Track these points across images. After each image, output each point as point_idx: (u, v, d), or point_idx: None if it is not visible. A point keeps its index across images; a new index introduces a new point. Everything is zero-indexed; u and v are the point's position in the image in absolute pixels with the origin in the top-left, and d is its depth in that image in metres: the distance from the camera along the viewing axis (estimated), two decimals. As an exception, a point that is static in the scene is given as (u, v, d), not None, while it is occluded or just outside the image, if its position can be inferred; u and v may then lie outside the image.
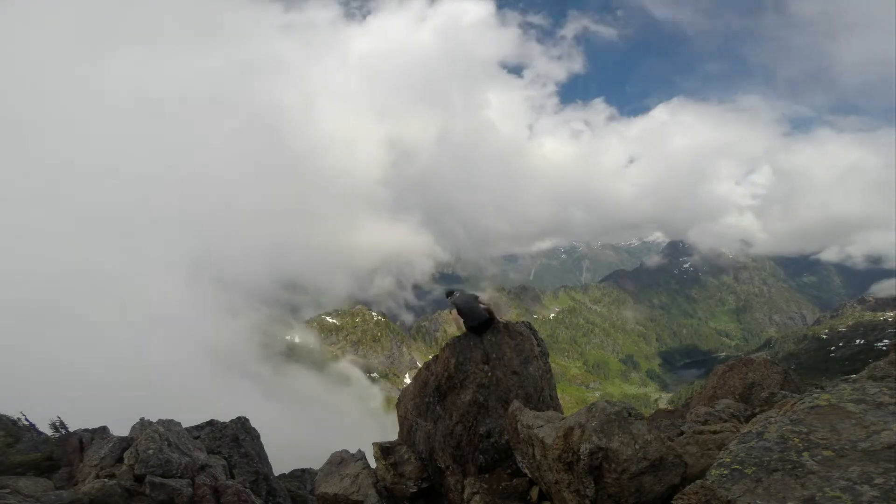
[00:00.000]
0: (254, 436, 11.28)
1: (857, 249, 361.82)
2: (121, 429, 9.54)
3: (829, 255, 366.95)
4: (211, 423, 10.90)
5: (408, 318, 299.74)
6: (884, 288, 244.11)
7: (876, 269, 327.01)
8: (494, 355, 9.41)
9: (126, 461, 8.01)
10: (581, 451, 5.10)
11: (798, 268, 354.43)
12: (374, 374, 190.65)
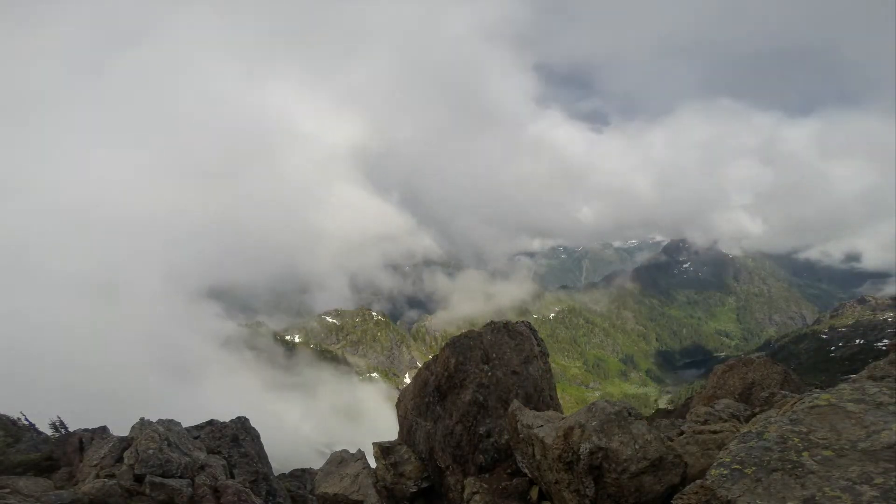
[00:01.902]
0: (254, 435, 11.26)
1: (837, 248, 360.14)
2: (121, 429, 9.55)
3: (814, 253, 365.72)
4: (211, 422, 10.87)
5: (409, 316, 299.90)
6: (873, 288, 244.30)
7: (859, 268, 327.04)
8: (494, 355, 9.42)
9: (126, 461, 8.01)
10: (581, 450, 5.11)
11: (798, 267, 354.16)
12: (374, 374, 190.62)
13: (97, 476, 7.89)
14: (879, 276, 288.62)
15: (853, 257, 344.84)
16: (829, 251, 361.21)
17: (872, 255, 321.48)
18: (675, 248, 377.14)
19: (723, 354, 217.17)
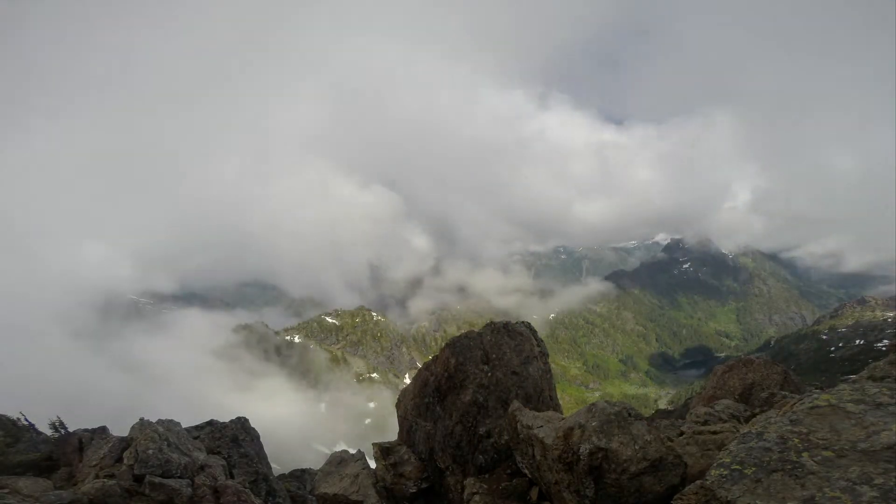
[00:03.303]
0: (253, 436, 11.26)
1: (837, 248, 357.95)
2: (121, 429, 9.54)
3: (813, 254, 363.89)
4: (210, 423, 10.87)
5: (408, 315, 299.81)
6: (873, 288, 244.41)
7: (859, 268, 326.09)
8: (494, 355, 9.42)
9: (126, 461, 8.00)
10: (581, 451, 5.11)
11: (798, 268, 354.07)
12: (374, 375, 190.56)
13: (97, 476, 7.88)
14: (879, 277, 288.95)
15: (853, 258, 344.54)
16: (830, 252, 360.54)
17: (872, 256, 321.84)
18: (675, 248, 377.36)
19: (723, 355, 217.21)
